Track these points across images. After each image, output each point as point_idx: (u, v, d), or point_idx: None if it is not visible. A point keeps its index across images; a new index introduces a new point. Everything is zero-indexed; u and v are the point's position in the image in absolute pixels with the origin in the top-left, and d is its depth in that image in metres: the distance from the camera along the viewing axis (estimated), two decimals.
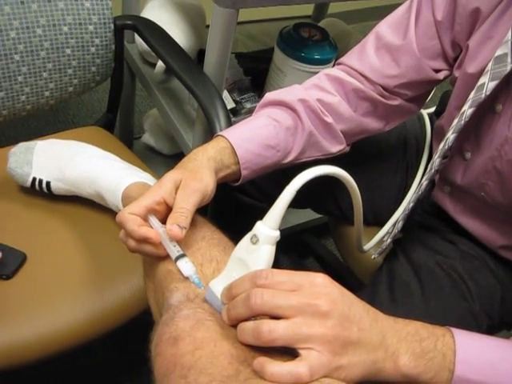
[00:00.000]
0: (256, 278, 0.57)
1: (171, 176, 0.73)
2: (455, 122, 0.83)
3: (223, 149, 0.83)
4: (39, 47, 1.12)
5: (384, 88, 0.93)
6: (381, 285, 0.97)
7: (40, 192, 1.07)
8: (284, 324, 0.53)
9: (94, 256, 1.02)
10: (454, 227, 1.01)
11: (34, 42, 1.11)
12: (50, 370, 1.35)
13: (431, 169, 0.89)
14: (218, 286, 0.62)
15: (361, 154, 1.04)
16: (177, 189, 0.72)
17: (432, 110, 1.30)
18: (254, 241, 0.60)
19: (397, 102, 0.95)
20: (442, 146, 0.86)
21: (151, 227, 0.70)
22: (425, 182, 0.91)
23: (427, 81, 0.92)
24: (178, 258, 0.68)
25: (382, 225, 1.09)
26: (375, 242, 1.04)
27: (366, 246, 1.03)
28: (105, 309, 0.96)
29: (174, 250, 0.68)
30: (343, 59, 0.98)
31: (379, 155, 1.11)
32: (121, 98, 1.36)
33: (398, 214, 1.06)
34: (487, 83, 0.77)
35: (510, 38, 0.74)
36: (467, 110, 0.80)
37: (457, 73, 0.89)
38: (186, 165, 0.77)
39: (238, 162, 0.84)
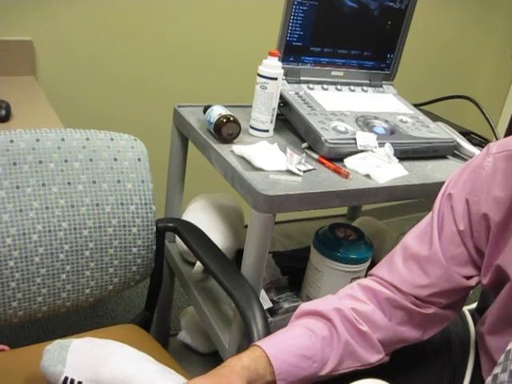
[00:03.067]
0: None
1: (199, 381, 0.73)
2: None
3: (258, 358, 0.82)
4: (84, 247, 1.17)
5: (416, 297, 0.94)
6: None
7: None
8: None
9: None
10: None
11: (79, 242, 1.16)
12: None
13: None
14: None
15: (403, 358, 1.00)
16: None
17: (473, 306, 1.27)
18: None
19: (431, 310, 0.94)
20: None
21: None
22: None
23: (459, 288, 0.92)
24: None
25: None
26: None
27: None
28: None
29: None
30: (374, 271, 1.01)
31: (423, 359, 1.07)
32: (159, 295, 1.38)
33: None
34: None
35: None
36: None
37: (484, 280, 0.89)
38: (218, 371, 0.77)
39: (274, 373, 0.82)
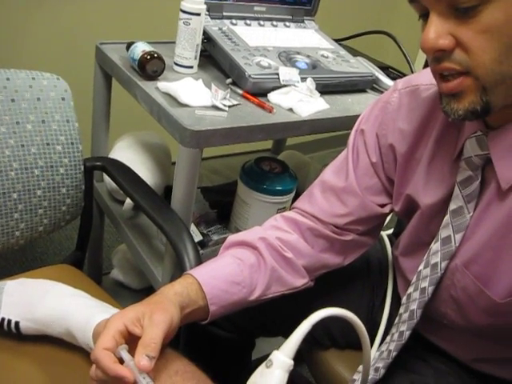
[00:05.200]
0: None
1: (133, 307, 0.76)
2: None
3: (190, 284, 0.86)
4: (11, 189, 1.15)
5: (335, 226, 1.00)
6: None
7: (8, 333, 1.05)
8: None
9: None
10: (426, 344, 1.03)
11: (6, 184, 1.14)
12: None
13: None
14: None
15: (325, 278, 1.07)
16: (139, 320, 0.74)
17: (391, 231, 1.36)
18: (269, 365, 0.66)
19: (350, 237, 1.02)
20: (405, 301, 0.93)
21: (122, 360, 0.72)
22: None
23: (374, 215, 1.00)
24: None
25: (353, 347, 1.12)
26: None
27: None
28: None
29: (143, 382, 0.69)
30: (296, 204, 1.07)
31: (344, 280, 1.15)
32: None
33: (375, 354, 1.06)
34: (453, 235, 0.84)
35: (459, 192, 0.83)
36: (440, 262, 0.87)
37: (396, 207, 0.98)
38: (151, 299, 0.80)
39: (205, 298, 0.86)
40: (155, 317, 0.74)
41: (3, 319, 1.03)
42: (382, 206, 0.99)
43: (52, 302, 1.03)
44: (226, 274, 0.90)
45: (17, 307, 1.04)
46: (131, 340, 0.73)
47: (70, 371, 1.03)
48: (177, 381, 0.73)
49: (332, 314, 0.65)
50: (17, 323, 1.03)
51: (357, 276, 1.16)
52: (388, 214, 1.02)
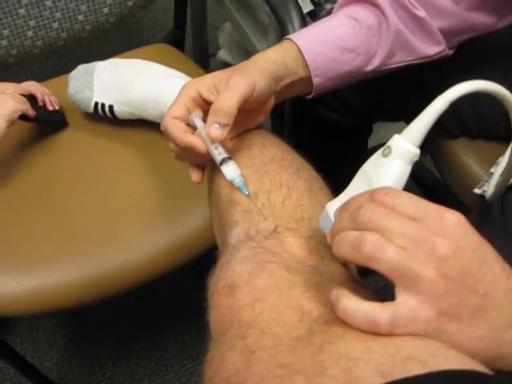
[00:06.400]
0: (375, 192, 0.45)
1: (212, 74, 0.64)
2: None
3: (286, 50, 0.69)
4: None
5: None
6: (489, 213, 0.82)
7: (105, 118, 1.01)
8: (395, 248, 0.41)
9: (162, 183, 0.96)
10: None
11: None
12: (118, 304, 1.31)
13: None
14: (335, 208, 0.49)
15: (464, 49, 0.85)
16: (216, 86, 0.62)
17: None
18: (386, 153, 0.49)
19: None
20: None
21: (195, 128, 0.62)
22: None
23: None
24: (221, 163, 0.59)
25: (487, 137, 0.96)
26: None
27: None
28: (176, 240, 0.91)
29: (215, 154, 0.60)
30: None
31: (485, 54, 0.93)
32: (189, 12, 1.28)
33: None
34: None
35: None
36: None
37: None
38: (236, 66, 0.66)
39: (308, 67, 0.70)
40: (232, 80, 0.60)
41: (97, 103, 1.01)
42: None
43: (145, 82, 0.98)
44: (336, 37, 0.72)
45: (109, 90, 1.00)
46: (208, 111, 0.62)
47: (166, 156, 0.97)
48: (271, 168, 0.62)
49: (477, 88, 0.47)
50: (111, 107, 1.01)
51: (503, 51, 0.93)
52: None
